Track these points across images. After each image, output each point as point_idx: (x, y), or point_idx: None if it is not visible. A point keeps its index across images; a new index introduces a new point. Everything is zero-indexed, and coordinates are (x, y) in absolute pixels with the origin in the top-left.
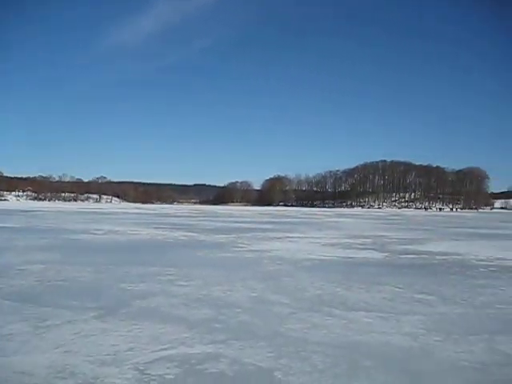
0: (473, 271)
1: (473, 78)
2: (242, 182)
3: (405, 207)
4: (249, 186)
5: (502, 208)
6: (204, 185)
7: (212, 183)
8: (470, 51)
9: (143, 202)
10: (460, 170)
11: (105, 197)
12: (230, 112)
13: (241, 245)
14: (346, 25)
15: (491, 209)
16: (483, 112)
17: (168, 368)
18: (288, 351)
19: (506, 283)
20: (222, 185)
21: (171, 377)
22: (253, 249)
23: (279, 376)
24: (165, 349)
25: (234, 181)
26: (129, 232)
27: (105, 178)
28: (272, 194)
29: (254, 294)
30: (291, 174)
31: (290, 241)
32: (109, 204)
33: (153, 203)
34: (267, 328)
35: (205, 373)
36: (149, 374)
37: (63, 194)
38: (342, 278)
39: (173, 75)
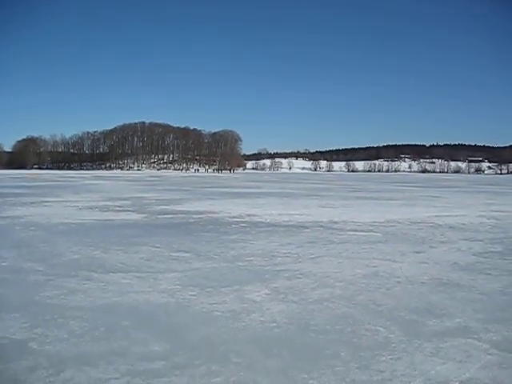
0: (226, 228)
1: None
2: None
3: (164, 169)
4: None
5: (253, 168)
6: None
7: None
8: None
9: None
10: (216, 133)
11: None
12: None
13: None
14: None
15: (244, 169)
16: (237, 80)
17: None
18: (44, 319)
19: (254, 237)
20: None
21: None
22: (3, 215)
23: (34, 346)
24: None
25: None
26: None
27: None
28: (25, 156)
29: (4, 264)
30: (46, 135)
31: (45, 205)
32: None
33: None
34: (21, 298)
35: None
36: None
37: None
38: (100, 241)
39: None
